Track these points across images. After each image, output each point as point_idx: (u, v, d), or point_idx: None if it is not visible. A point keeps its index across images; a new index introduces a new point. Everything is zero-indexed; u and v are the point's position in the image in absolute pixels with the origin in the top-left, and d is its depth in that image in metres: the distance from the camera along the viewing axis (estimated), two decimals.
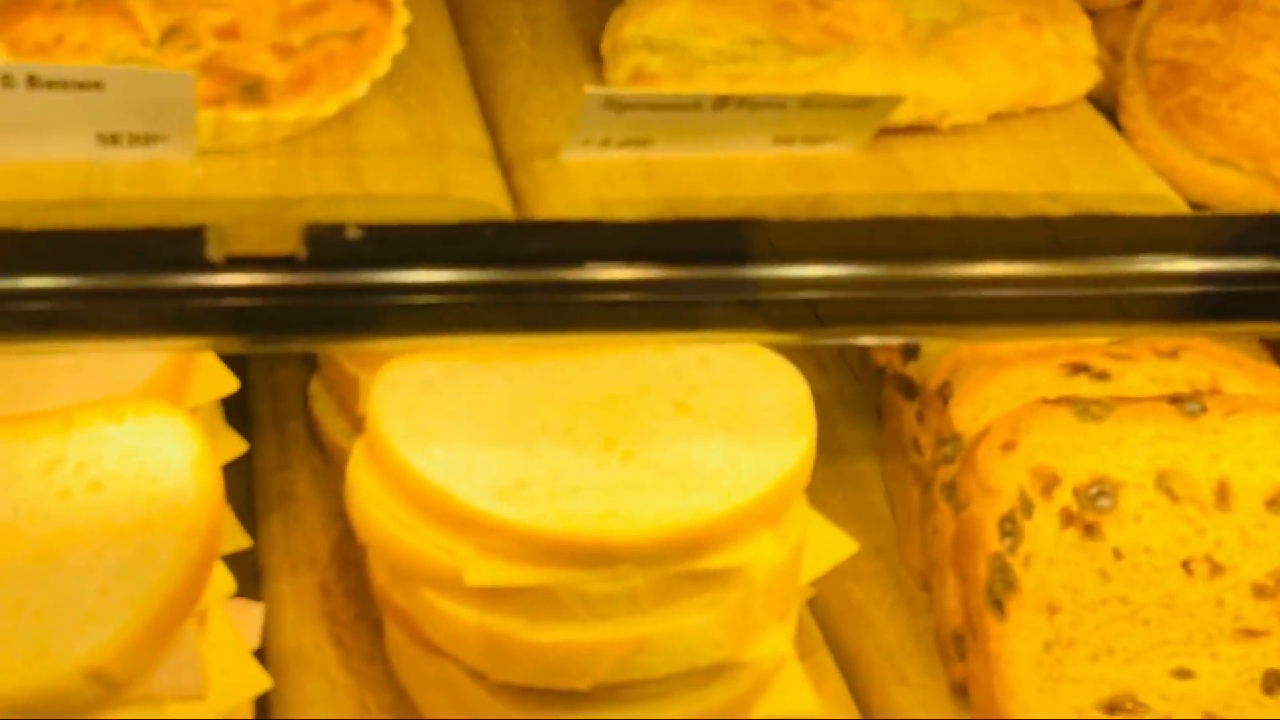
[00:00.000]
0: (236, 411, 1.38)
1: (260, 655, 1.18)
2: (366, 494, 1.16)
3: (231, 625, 1.16)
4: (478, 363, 1.20)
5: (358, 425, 1.29)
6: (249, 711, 1.17)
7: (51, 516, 1.04)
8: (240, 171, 0.93)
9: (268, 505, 1.43)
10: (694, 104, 0.92)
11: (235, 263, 0.86)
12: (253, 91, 0.95)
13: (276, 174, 0.93)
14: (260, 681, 1.15)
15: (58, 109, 0.89)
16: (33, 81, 0.88)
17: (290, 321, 0.88)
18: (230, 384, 1.25)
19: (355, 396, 1.33)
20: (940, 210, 0.97)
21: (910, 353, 1.45)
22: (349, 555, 1.36)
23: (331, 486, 1.42)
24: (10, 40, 0.95)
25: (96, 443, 1.08)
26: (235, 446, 1.31)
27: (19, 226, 0.85)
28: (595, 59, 1.09)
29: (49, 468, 1.07)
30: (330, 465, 1.45)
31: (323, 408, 1.46)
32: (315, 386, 1.48)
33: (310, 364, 1.50)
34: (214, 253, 0.85)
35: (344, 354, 1.37)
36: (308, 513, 1.42)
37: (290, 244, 0.86)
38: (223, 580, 1.13)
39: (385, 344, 1.09)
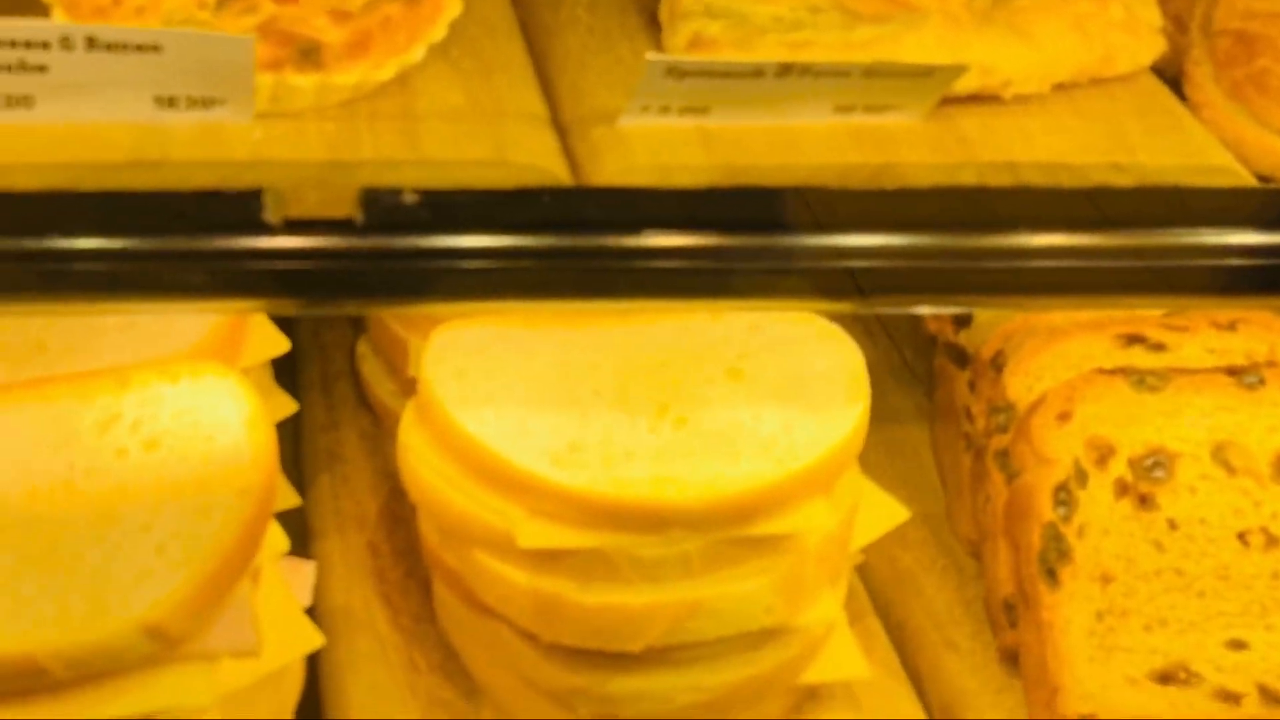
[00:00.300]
0: (284, 372, 1.39)
1: (310, 613, 1.18)
2: (418, 456, 1.16)
3: (284, 583, 1.17)
4: (529, 327, 1.20)
5: (406, 387, 1.29)
6: (300, 669, 1.18)
7: (108, 474, 1.04)
8: (297, 135, 0.93)
9: (316, 465, 1.43)
10: (755, 72, 0.91)
11: (292, 225, 0.86)
12: (310, 55, 0.94)
13: (333, 138, 0.93)
14: (313, 639, 1.15)
15: (116, 71, 0.89)
16: (91, 43, 0.88)
17: (346, 284, 0.88)
18: (282, 345, 1.26)
19: (404, 359, 1.33)
20: (1001, 180, 0.96)
21: (962, 321, 1.44)
22: (398, 515, 1.37)
23: (380, 447, 1.44)
24: (69, 3, 0.95)
25: (152, 402, 1.08)
26: (285, 407, 1.31)
27: (77, 188, 0.86)
28: (652, 25, 1.08)
29: (105, 426, 1.07)
30: (379, 426, 1.46)
31: (371, 369, 1.46)
32: (363, 348, 1.48)
33: (358, 326, 1.51)
34: (271, 215, 0.85)
35: (394, 317, 1.38)
36: (356, 473, 1.42)
37: (347, 208, 0.86)
38: (276, 539, 1.14)
39: (439, 308, 1.08)
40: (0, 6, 0.93)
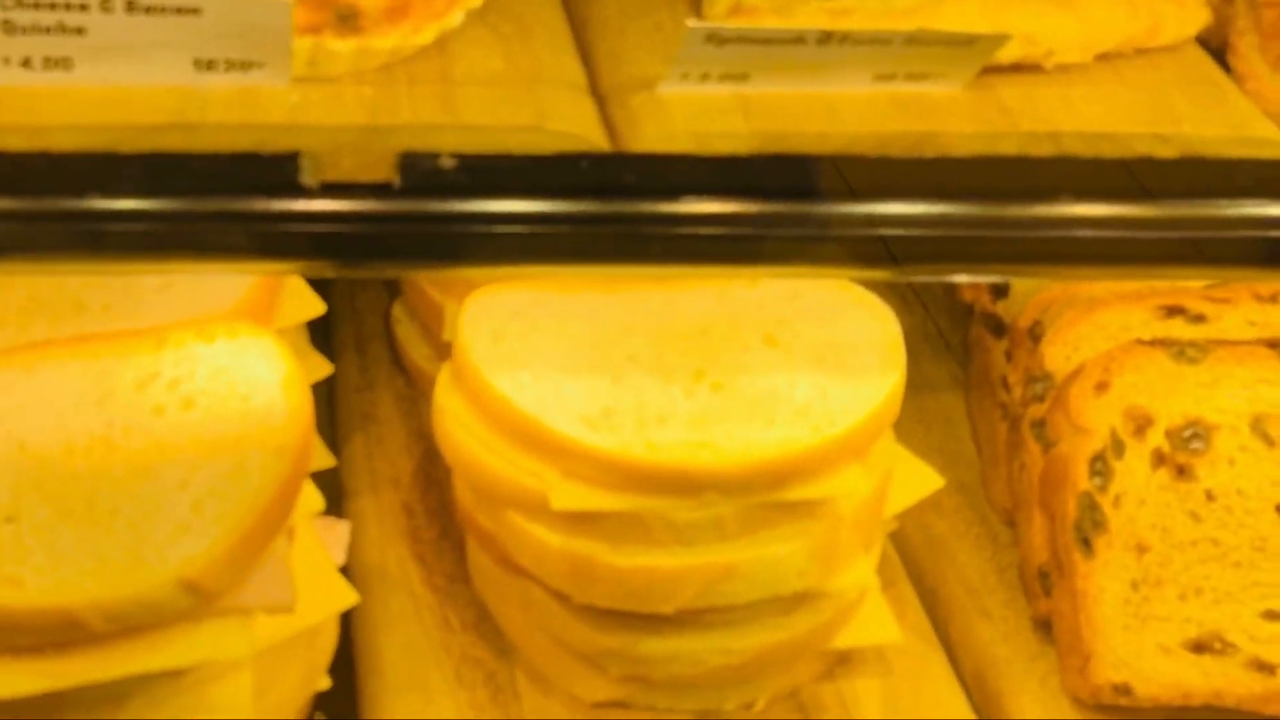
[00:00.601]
0: (319, 334, 1.39)
1: (344, 572, 1.19)
2: (453, 418, 1.17)
3: (319, 541, 1.18)
4: (565, 292, 1.21)
5: (441, 350, 1.30)
6: (334, 626, 1.19)
7: (145, 431, 1.05)
8: (335, 99, 0.92)
9: (350, 426, 1.44)
10: (796, 39, 0.90)
11: (329, 189, 0.86)
12: (348, 20, 0.94)
13: (371, 102, 0.92)
14: (347, 596, 1.17)
15: (155, 33, 0.88)
16: (131, 6, 0.87)
17: (382, 248, 0.88)
18: (317, 307, 1.26)
19: (439, 322, 1.34)
20: (1043, 150, 0.95)
21: (999, 291, 1.44)
22: (431, 476, 1.38)
23: (414, 408, 1.45)
24: None
25: (189, 361, 1.09)
26: (321, 368, 1.32)
27: (117, 149, 0.86)
28: None
29: (143, 384, 1.08)
30: (413, 388, 1.47)
31: (405, 332, 1.47)
32: (398, 311, 1.49)
33: (392, 289, 1.51)
34: (308, 178, 0.86)
35: (429, 280, 1.38)
36: (390, 434, 1.43)
37: (384, 171, 0.86)
38: (311, 498, 1.15)
39: (475, 272, 1.08)
40: None
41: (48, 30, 0.88)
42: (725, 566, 1.13)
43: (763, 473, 1.11)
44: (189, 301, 1.15)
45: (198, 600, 1.00)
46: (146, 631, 1.00)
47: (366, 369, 1.49)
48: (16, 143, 0.86)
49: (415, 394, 1.46)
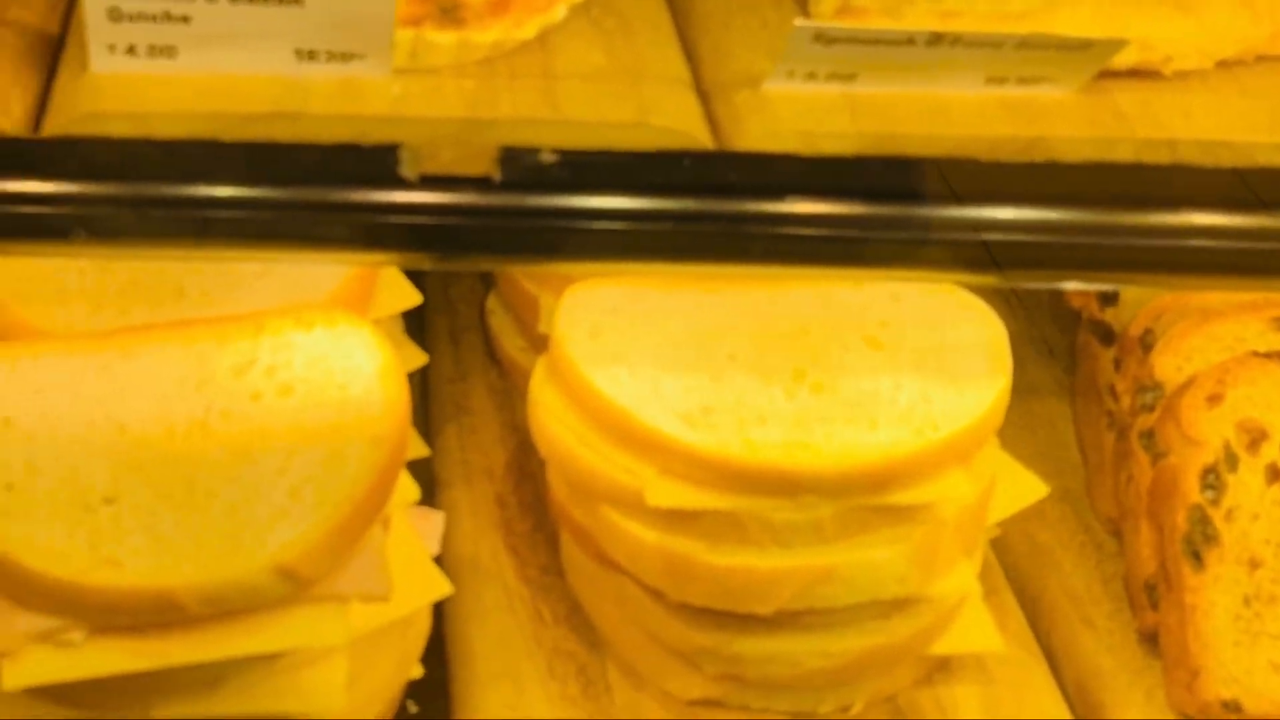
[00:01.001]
0: (413, 325, 1.39)
1: (437, 563, 1.19)
2: (549, 411, 1.17)
3: (414, 531, 1.18)
4: (663, 288, 1.20)
5: (535, 343, 1.30)
6: (427, 616, 1.19)
7: (243, 417, 1.05)
8: (436, 92, 0.91)
9: (444, 416, 1.44)
10: (907, 40, 0.89)
11: (429, 181, 0.85)
12: (450, 13, 0.93)
13: (472, 95, 0.91)
14: (441, 586, 1.17)
15: (258, 23, 0.88)
16: None
17: (480, 241, 0.88)
18: (413, 298, 1.26)
19: (534, 315, 1.34)
20: (1159, 157, 0.92)
21: (1108, 298, 1.41)
22: (525, 468, 1.38)
23: (508, 401, 1.45)
24: None
25: (286, 348, 1.09)
26: (416, 358, 1.32)
27: (219, 137, 0.86)
28: None
29: (240, 370, 1.08)
30: (506, 380, 1.46)
31: (500, 324, 1.46)
32: (492, 303, 1.48)
33: (487, 281, 1.51)
34: (408, 171, 0.85)
35: (525, 274, 1.38)
36: (484, 425, 1.43)
37: (484, 165, 0.86)
38: (407, 488, 1.15)
39: (573, 267, 1.08)
40: None
41: (154, 18, 0.88)
42: (823, 569, 1.11)
43: (863, 475, 1.09)
44: (286, 289, 1.15)
45: (294, 586, 1.00)
46: (243, 615, 1.00)
47: (460, 360, 1.49)
48: (121, 129, 0.86)
49: (509, 386, 1.46)
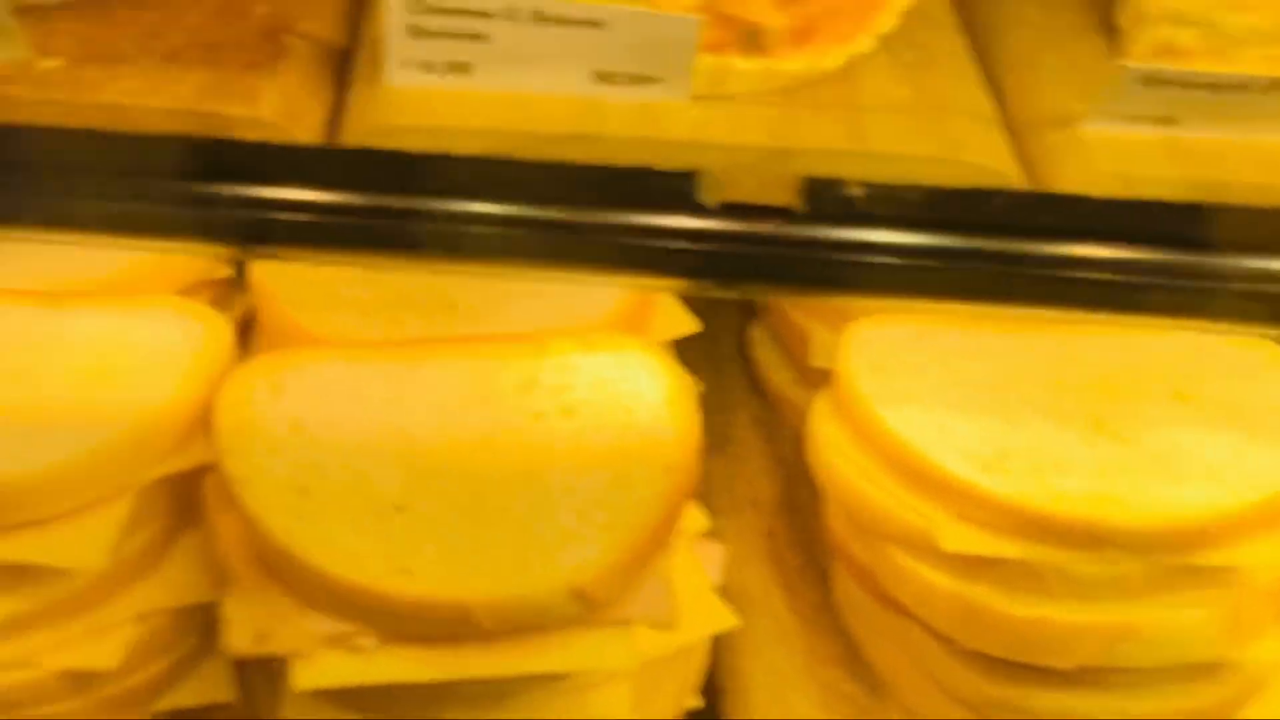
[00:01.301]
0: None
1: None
2: (832, 447, 1.15)
3: (696, 561, 1.17)
4: (953, 327, 1.17)
5: (805, 375, 1.28)
6: (706, 646, 1.18)
7: (528, 436, 1.05)
8: (736, 119, 0.90)
9: (709, 447, 1.40)
10: (1239, 85, 0.85)
11: (728, 209, 0.84)
12: (753, 39, 0.92)
13: (774, 124, 0.90)
14: (725, 617, 1.15)
15: (557, 44, 0.88)
16: (538, 16, 0.87)
17: (778, 271, 0.86)
18: (689, 325, 1.24)
19: (803, 347, 1.31)
20: None
21: None
22: (794, 501, 1.35)
23: (773, 432, 1.42)
24: None
25: (569, 370, 1.09)
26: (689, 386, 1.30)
27: (515, 155, 0.86)
28: (1101, 28, 1.02)
29: (524, 389, 1.08)
30: (772, 411, 1.44)
31: (765, 355, 1.44)
32: (757, 333, 1.46)
33: (746, 310, 1.49)
34: (707, 197, 0.84)
35: (797, 305, 1.35)
36: (749, 456, 1.42)
37: (786, 195, 0.84)
38: (694, 517, 1.14)
39: (869, 302, 1.06)
40: None
41: (454, 35, 0.88)
42: (1126, 627, 1.07)
43: (1171, 533, 1.05)
44: (560, 309, 1.15)
45: (585, 608, 0.99)
46: (532, 633, 1.00)
47: (724, 389, 1.47)
48: (417, 143, 0.87)
49: (774, 418, 1.43)
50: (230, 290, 1.23)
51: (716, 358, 1.49)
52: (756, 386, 1.46)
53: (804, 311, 1.34)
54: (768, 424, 1.44)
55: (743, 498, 1.37)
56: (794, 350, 1.37)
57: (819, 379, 1.18)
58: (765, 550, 1.33)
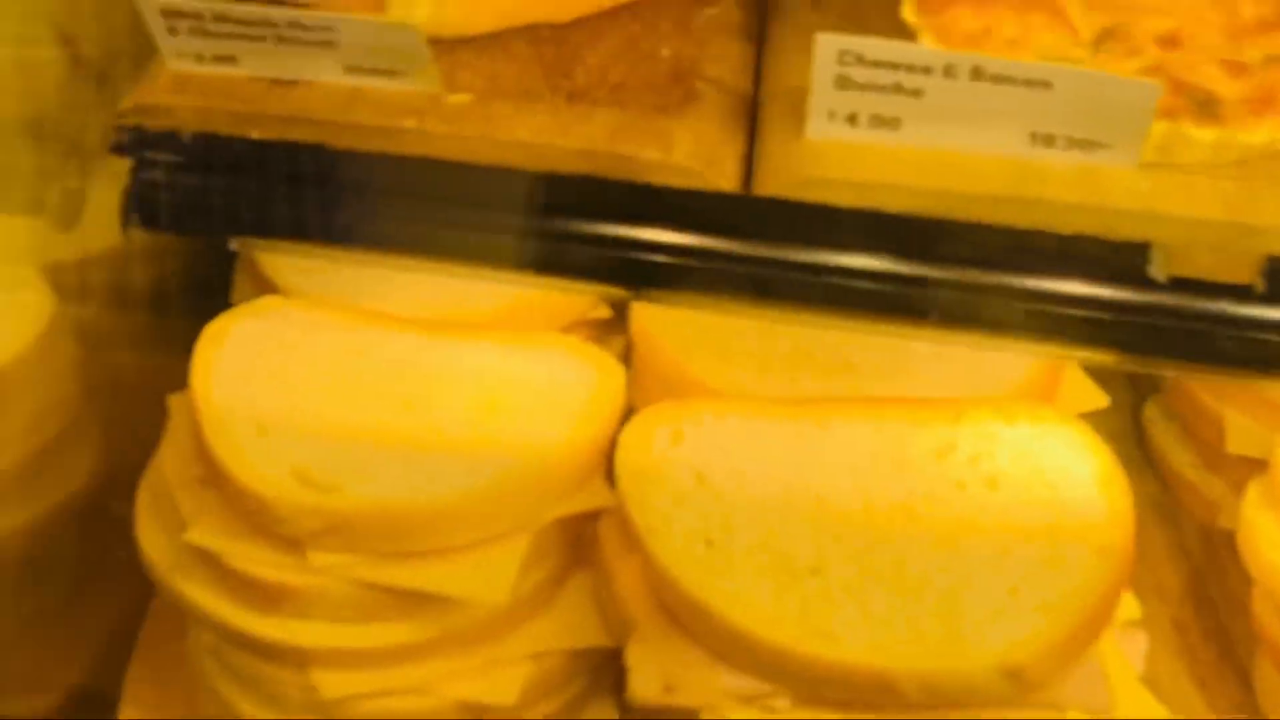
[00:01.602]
0: None
1: None
2: (1266, 538, 1.12)
3: (1119, 649, 1.13)
4: None
5: (1211, 459, 1.24)
6: None
7: (948, 504, 1.04)
8: (1189, 190, 0.87)
9: None
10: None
11: (1178, 284, 0.82)
12: (1206, 107, 0.90)
13: (1231, 197, 0.86)
14: (1154, 709, 1.11)
15: (993, 103, 0.86)
16: (977, 74, 0.86)
17: (1227, 352, 0.83)
18: (1099, 399, 1.20)
19: (1214, 430, 1.28)
20: None
21: None
22: (1202, 592, 1.32)
23: (1169, 514, 1.38)
24: (938, 27, 0.93)
25: (988, 439, 1.07)
26: None
27: (945, 215, 0.85)
28: None
29: (941, 455, 1.06)
30: (1168, 493, 1.40)
31: (1162, 434, 1.41)
32: (1152, 411, 1.43)
33: (1140, 385, 1.45)
34: (1157, 271, 0.82)
35: (1209, 387, 1.32)
36: (1150, 541, 1.36)
37: (1244, 273, 0.82)
38: (1127, 604, 1.10)
39: None
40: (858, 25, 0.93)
41: (882, 89, 0.87)
42: None
43: None
44: (965, 375, 1.13)
45: (1018, 689, 0.97)
46: (956, 710, 0.98)
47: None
48: (840, 197, 0.85)
49: (1170, 499, 1.39)
50: (607, 331, 1.23)
51: (1105, 433, 1.46)
52: (1151, 464, 1.43)
53: (1215, 394, 1.30)
54: (1164, 506, 1.40)
55: (1146, 585, 1.31)
56: (1199, 432, 1.34)
57: (1227, 464, 1.14)
58: (1175, 642, 1.29)
